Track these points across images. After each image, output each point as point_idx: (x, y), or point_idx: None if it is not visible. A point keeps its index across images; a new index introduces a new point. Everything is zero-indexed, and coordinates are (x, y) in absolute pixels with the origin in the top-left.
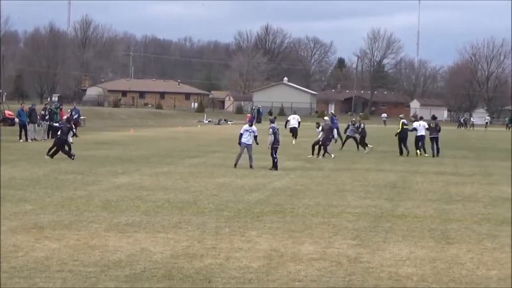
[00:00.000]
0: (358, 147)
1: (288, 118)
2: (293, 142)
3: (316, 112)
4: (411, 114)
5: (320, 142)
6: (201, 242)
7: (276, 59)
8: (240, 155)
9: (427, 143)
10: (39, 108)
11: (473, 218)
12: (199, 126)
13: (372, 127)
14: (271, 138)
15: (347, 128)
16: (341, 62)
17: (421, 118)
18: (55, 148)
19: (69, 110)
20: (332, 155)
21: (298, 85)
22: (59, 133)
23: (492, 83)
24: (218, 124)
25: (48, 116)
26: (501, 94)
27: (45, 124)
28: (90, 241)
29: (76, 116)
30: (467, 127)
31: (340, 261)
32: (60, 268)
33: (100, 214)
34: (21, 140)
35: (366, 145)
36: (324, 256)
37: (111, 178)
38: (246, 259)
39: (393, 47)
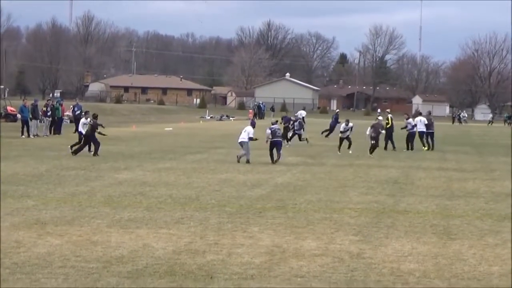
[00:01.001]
0: (386, 147)
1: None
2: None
3: (318, 108)
4: (413, 110)
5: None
6: (203, 238)
7: (278, 54)
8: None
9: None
10: (41, 104)
11: (475, 214)
12: (201, 122)
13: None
14: (267, 132)
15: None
16: (343, 57)
17: (420, 114)
18: (82, 144)
19: (71, 106)
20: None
21: (300, 81)
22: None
23: (494, 78)
24: (220, 120)
25: (50, 112)
26: (503, 89)
27: (47, 120)
28: (92, 237)
29: (78, 112)
30: (461, 123)
31: (342, 257)
32: (62, 264)
33: (103, 209)
34: (23, 136)
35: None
36: (326, 252)
37: (113, 174)
38: (248, 255)
39: (395, 43)
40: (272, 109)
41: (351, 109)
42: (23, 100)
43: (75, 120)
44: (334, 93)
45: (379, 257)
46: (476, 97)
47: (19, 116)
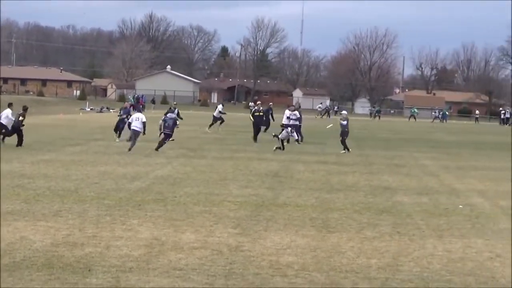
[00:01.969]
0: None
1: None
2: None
3: (199, 100)
4: (294, 102)
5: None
6: (82, 231)
7: (159, 47)
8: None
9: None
10: None
11: (354, 207)
12: (81, 113)
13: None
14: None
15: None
16: (224, 50)
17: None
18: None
19: None
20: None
21: (182, 73)
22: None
23: (375, 72)
24: (100, 112)
25: None
26: (383, 83)
27: None
28: None
29: None
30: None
31: (221, 250)
32: None
33: None
34: None
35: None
36: (205, 245)
37: None
38: (127, 247)
39: (277, 36)
40: (153, 102)
41: (232, 102)
42: None
43: None
44: (215, 86)
45: (258, 250)
46: (357, 91)
47: None
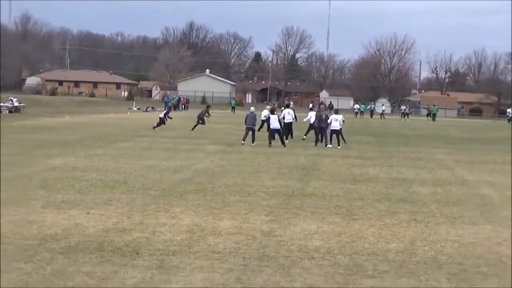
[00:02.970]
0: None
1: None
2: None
3: (236, 100)
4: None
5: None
6: (130, 218)
7: (199, 52)
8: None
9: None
10: None
11: (375, 197)
12: (128, 113)
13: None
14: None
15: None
16: (258, 55)
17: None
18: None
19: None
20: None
21: (219, 76)
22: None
23: (394, 75)
24: (146, 111)
25: None
26: (402, 85)
27: None
28: (29, 217)
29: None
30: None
31: (255, 235)
32: (1, 241)
33: (38, 192)
34: None
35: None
36: (240, 231)
37: (48, 160)
38: (170, 233)
39: (305, 42)
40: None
41: (265, 102)
42: None
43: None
44: (249, 87)
45: (288, 235)
46: (377, 92)
47: None
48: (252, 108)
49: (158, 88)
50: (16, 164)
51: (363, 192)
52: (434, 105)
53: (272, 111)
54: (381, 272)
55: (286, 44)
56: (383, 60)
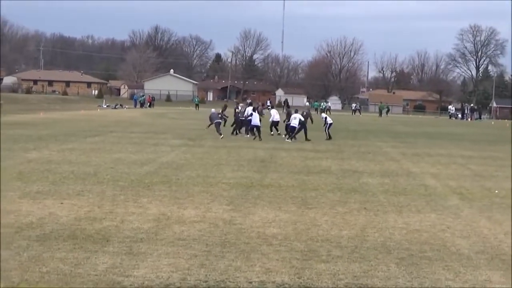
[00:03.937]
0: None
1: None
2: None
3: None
4: (277, 100)
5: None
6: (101, 208)
7: (164, 54)
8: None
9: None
10: None
11: (328, 187)
12: (98, 110)
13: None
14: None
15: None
16: (218, 57)
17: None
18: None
19: None
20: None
21: (182, 76)
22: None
23: (344, 75)
24: (115, 108)
25: None
26: (351, 84)
27: None
28: (6, 207)
29: None
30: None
31: (217, 223)
32: None
33: (15, 183)
34: None
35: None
36: (203, 219)
37: (24, 154)
38: (138, 221)
39: (262, 45)
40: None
41: (225, 99)
42: None
43: None
44: (211, 86)
45: (248, 223)
46: (329, 90)
47: None
48: (213, 109)
49: (126, 87)
50: None
51: (317, 183)
52: (381, 102)
53: (254, 109)
54: (334, 257)
55: (244, 46)
56: (334, 61)
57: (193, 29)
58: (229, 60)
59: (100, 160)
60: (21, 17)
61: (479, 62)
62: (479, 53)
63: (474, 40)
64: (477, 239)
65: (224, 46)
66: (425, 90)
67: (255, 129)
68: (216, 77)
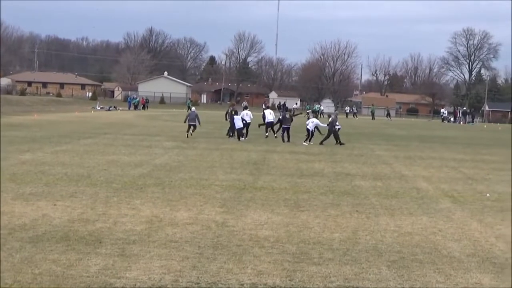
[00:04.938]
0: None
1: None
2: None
3: (191, 100)
4: (270, 103)
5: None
6: (94, 209)
7: (158, 56)
8: None
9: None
10: None
11: (320, 190)
12: (92, 111)
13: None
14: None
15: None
16: (212, 59)
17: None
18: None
19: None
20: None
21: (176, 78)
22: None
23: (337, 78)
24: (109, 110)
25: None
26: (344, 87)
27: None
28: None
29: None
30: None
31: (210, 225)
32: None
33: (8, 185)
34: None
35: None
36: (196, 221)
37: (18, 155)
38: (131, 223)
39: (256, 47)
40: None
41: (218, 102)
42: None
43: None
44: (204, 88)
45: (240, 225)
46: (322, 93)
47: None
48: (193, 108)
49: (120, 89)
50: None
51: (309, 185)
52: (372, 105)
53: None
54: (326, 260)
55: (238, 49)
56: (327, 64)
57: (187, 32)
58: (223, 62)
59: (94, 162)
60: (16, 18)
61: (472, 65)
62: (472, 57)
63: (467, 44)
64: (468, 242)
65: (218, 49)
66: (418, 93)
67: (238, 131)
68: (210, 79)
